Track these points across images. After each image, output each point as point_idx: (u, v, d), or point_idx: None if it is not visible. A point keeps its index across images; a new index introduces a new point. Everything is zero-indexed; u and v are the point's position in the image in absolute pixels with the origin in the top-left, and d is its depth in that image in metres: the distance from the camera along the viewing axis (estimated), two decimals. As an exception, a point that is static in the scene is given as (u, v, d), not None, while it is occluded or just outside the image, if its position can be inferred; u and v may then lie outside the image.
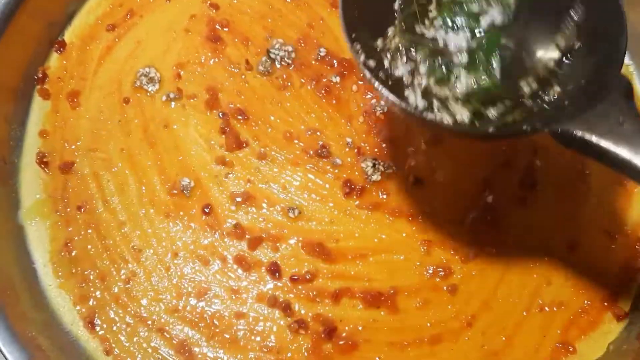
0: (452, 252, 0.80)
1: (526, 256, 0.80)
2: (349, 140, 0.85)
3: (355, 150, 0.84)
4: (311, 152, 0.85)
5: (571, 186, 0.83)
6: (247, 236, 0.81)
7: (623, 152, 0.54)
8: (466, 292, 0.78)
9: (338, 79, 0.88)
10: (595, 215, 0.82)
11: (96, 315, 0.78)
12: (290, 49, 0.90)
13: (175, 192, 0.83)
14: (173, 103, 0.88)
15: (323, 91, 0.88)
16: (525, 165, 0.84)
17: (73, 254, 0.80)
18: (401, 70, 0.66)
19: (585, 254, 0.80)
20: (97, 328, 0.77)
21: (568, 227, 0.81)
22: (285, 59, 0.89)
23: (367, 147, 0.85)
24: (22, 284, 0.77)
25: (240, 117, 0.86)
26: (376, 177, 0.83)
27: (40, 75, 0.89)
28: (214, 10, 0.93)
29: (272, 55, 0.89)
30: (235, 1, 0.94)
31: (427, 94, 0.64)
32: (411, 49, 0.66)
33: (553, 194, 0.83)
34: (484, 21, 0.65)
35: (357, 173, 0.83)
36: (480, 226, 0.81)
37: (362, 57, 0.65)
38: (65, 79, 0.90)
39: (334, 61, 0.89)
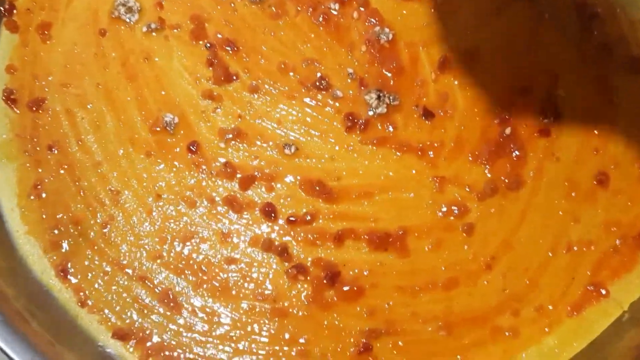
0: (468, 189, 0.73)
1: (551, 192, 0.73)
2: (350, 70, 0.77)
3: (358, 81, 0.77)
4: (308, 85, 0.77)
5: (598, 117, 0.76)
6: (238, 175, 0.73)
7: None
8: (484, 231, 0.71)
9: (337, 5, 0.80)
10: (624, 147, 0.75)
11: (69, 263, 0.70)
12: (283, -32, 0.82)
13: (158, 129, 0.75)
14: (154, 34, 0.79)
15: (321, 19, 0.80)
16: (547, 93, 0.76)
17: (43, 196, 0.72)
18: None
19: (615, 189, 0.74)
20: (71, 277, 0.69)
21: (595, 160, 0.74)
22: (279, -24, 0.81)
23: (371, 78, 0.77)
24: (-14, 230, 0.69)
25: (229, 48, 0.78)
26: (381, 109, 0.75)
27: (7, 6, 0.81)
28: None
29: None
30: None
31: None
32: None
33: (578, 125, 0.75)
34: None
35: (360, 106, 0.75)
36: (498, 160, 0.73)
37: None
38: (35, 10, 0.81)
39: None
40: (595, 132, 0.75)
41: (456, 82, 0.77)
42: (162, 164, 0.73)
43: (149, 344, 0.67)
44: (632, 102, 0.76)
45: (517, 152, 0.73)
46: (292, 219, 0.71)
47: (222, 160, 0.73)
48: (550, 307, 0.70)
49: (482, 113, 0.75)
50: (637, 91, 0.77)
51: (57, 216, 0.71)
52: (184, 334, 0.68)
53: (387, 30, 0.78)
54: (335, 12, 0.80)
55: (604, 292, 0.69)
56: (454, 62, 0.77)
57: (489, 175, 0.73)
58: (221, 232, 0.71)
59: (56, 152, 0.74)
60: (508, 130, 0.74)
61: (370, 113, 0.75)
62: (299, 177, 0.73)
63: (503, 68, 0.77)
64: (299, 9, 0.80)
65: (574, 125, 0.75)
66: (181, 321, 0.68)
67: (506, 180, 0.72)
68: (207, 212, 0.71)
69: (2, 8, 0.80)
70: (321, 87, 0.76)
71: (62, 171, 0.73)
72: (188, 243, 0.70)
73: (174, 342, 0.68)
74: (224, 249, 0.70)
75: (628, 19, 0.80)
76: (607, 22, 0.80)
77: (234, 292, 0.69)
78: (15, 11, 0.81)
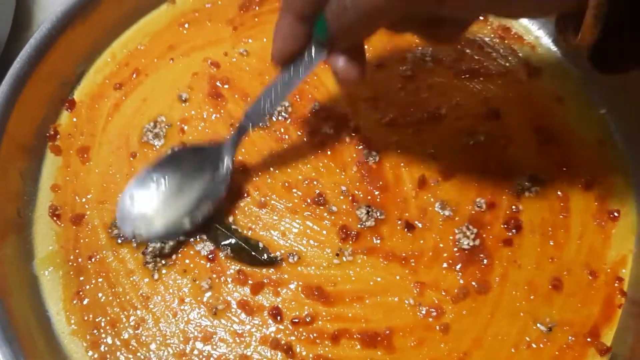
0: (444, 293, 0.84)
1: (513, 295, 0.84)
2: (343, 188, 0.90)
3: (350, 197, 0.90)
4: (309, 200, 0.90)
5: (553, 229, 0.88)
6: (249, 282, 0.85)
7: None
8: (458, 330, 0.82)
9: (332, 131, 0.94)
10: (576, 256, 0.87)
11: (108, 360, 0.81)
12: (287, 103, 0.96)
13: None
14: (176, 154, 0.93)
15: (318, 142, 0.93)
16: (510, 208, 0.89)
17: (85, 302, 0.84)
18: None
19: (568, 292, 0.84)
20: (109, 373, 0.81)
21: (551, 267, 0.86)
22: (283, 113, 0.96)
23: (361, 195, 0.90)
24: (37, 331, 0.81)
25: (241, 168, 0.92)
26: (370, 222, 0.88)
27: (52, 132, 0.95)
28: (215, 69, 1.00)
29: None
30: (234, 59, 1.01)
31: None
32: None
33: (537, 237, 0.88)
34: None
35: (352, 219, 0.88)
36: (469, 267, 0.86)
37: None
38: (76, 136, 0.95)
39: (328, 115, 0.95)
40: (551, 242, 0.87)
41: (432, 199, 0.90)
42: (185, 271, 0.86)
43: None
44: (585, 216, 0.89)
45: (485, 261, 0.86)
46: (295, 320, 0.82)
47: (236, 267, 0.86)
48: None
49: (455, 225, 0.88)
50: (589, 206, 0.90)
51: (97, 319, 0.83)
52: (205, 422, 0.79)
53: (374, 153, 0.92)
54: (331, 136, 0.94)
55: (559, 384, 0.80)
56: (430, 180, 0.91)
57: (461, 282, 0.85)
58: (236, 332, 0.82)
59: (95, 261, 0.87)
60: (477, 242, 0.87)
61: (360, 226, 0.88)
62: (301, 283, 0.85)
63: (472, 186, 0.91)
64: (299, 133, 0.95)
65: (532, 237, 0.88)
66: (202, 411, 0.80)
67: (476, 285, 0.85)
68: (224, 315, 0.83)
69: (47, 134, 0.95)
70: (319, 202, 0.90)
71: (100, 279, 0.85)
72: (208, 342, 0.81)
73: None
74: (238, 347, 0.81)
75: (581, 141, 0.94)
76: (563, 144, 0.94)
77: (246, 386, 0.80)
78: (58, 136, 0.95)
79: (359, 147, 0.93)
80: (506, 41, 1.03)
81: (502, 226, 0.88)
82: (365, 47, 0.75)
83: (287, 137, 0.94)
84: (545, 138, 0.94)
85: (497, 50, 1.01)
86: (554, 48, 1.03)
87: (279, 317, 0.83)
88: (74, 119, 0.97)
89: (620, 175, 0.92)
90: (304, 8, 0.67)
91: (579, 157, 0.93)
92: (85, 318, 0.84)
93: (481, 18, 1.04)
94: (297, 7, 0.67)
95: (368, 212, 0.88)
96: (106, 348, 0.82)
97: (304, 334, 0.82)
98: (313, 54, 0.72)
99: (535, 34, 1.04)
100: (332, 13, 0.64)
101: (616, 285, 0.85)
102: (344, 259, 0.86)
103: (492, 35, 1.03)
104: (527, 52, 1.02)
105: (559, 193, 0.90)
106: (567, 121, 0.96)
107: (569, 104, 0.98)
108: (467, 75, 0.99)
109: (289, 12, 0.69)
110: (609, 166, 0.93)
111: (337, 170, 0.92)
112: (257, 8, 1.07)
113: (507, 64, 1.01)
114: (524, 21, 1.04)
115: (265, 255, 0.86)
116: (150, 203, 0.86)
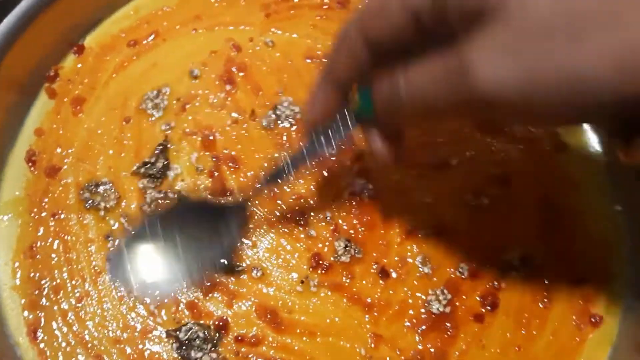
0: (398, 352, 0.80)
1: (468, 375, 0.80)
2: (328, 215, 0.86)
3: (333, 226, 0.85)
4: (289, 217, 0.86)
5: (529, 318, 0.83)
6: (206, 283, 0.82)
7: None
8: (401, 395, 0.79)
9: (334, 151, 0.89)
10: (544, 352, 0.82)
11: (41, 326, 0.79)
12: (297, 109, 0.91)
13: (150, 223, 0.84)
14: (170, 132, 0.89)
15: (317, 160, 0.88)
16: (491, 282, 0.84)
17: (35, 258, 0.82)
18: None
19: (525, 387, 0.81)
20: (39, 340, 0.78)
21: (515, 357, 0.81)
22: (290, 118, 0.91)
23: (345, 226, 0.86)
24: (-23, 278, 0.79)
25: (231, 165, 0.87)
26: (345, 258, 0.84)
27: (52, 73, 0.91)
28: (235, 52, 0.95)
29: (279, 112, 0.90)
30: (258, 48, 0.96)
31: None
32: None
33: (510, 321, 0.83)
34: None
35: (327, 249, 0.84)
36: (432, 332, 0.81)
37: None
38: (75, 83, 0.91)
39: (335, 133, 0.90)
40: (523, 331, 0.83)
41: (415, 251, 0.85)
42: (144, 257, 0.82)
43: (87, 417, 0.76)
44: (566, 312, 0.85)
45: (450, 331, 0.82)
46: (239, 338, 0.79)
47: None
48: None
49: (431, 285, 0.84)
50: (572, 302, 0.85)
51: (42, 281, 0.80)
52: (120, 417, 0.77)
53: (370, 187, 0.87)
54: (332, 157, 0.89)
55: None
56: (419, 231, 0.86)
57: (419, 346, 0.81)
58: (176, 335, 0.79)
59: (57, 220, 0.83)
60: (448, 309, 0.83)
61: (334, 259, 0.84)
62: (256, 301, 0.81)
63: (460, 249, 0.86)
64: (301, 144, 0.89)
65: (506, 319, 0.83)
66: (120, 404, 0.77)
67: (433, 353, 0.81)
68: (168, 313, 0.80)
69: (47, 74, 0.91)
70: (299, 222, 0.85)
71: (57, 240, 0.82)
72: (145, 336, 0.78)
73: (109, 422, 0.76)
74: (175, 352, 0.79)
75: (586, 233, 0.89)
76: (566, 232, 0.89)
77: (172, 391, 0.77)
78: (57, 79, 0.91)
79: (356, 178, 0.88)
80: (540, 106, 0.96)
81: (477, 299, 0.84)
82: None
83: (288, 144, 0.90)
84: (550, 220, 0.89)
85: (528, 113, 0.95)
86: (586, 126, 0.96)
87: (223, 331, 0.79)
88: (79, 65, 0.93)
89: (616, 281, 0.87)
90: (347, 79, 0.63)
91: (579, 250, 0.88)
92: (32, 275, 0.81)
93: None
94: (340, 77, 0.64)
95: (346, 247, 0.84)
96: (42, 313, 0.79)
97: (246, 354, 0.79)
98: (349, 122, 0.68)
99: (573, 106, 0.97)
100: (382, 98, 0.60)
101: (578, 395, 0.81)
102: (310, 288, 0.82)
103: (528, 96, 0.97)
104: (558, 124, 0.96)
105: (545, 281, 0.85)
106: (578, 209, 0.90)
107: (585, 190, 0.92)
108: (490, 131, 0.93)
109: (329, 79, 0.65)
110: (607, 269, 0.87)
111: (328, 195, 0.87)
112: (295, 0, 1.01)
113: (534, 130, 0.94)
114: (565, 90, 0.98)
115: (226, 260, 0.82)
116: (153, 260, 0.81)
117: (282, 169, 0.75)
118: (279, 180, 0.77)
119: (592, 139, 0.95)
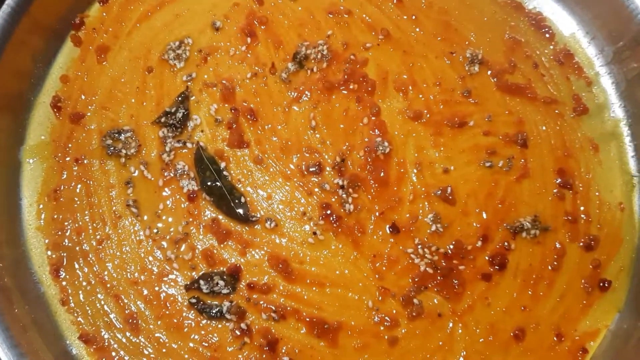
0: (404, 306, 0.82)
1: (472, 331, 0.82)
2: (342, 169, 0.87)
3: (346, 182, 0.86)
4: (304, 171, 0.87)
5: (537, 280, 0.84)
6: (222, 231, 0.84)
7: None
8: (405, 347, 0.81)
9: (355, 105, 0.89)
10: (550, 313, 0.83)
11: (63, 265, 0.82)
12: (325, 51, 0.91)
13: (169, 172, 0.86)
14: (191, 84, 0.90)
15: (335, 113, 0.89)
16: (501, 244, 0.85)
17: (60, 200, 0.85)
18: None
19: (528, 347, 0.82)
20: (61, 278, 0.82)
21: (520, 316, 0.83)
22: (318, 58, 0.91)
23: (358, 182, 0.87)
24: (3, 217, 0.82)
25: (249, 117, 0.89)
26: (357, 212, 0.85)
27: (78, 21, 0.92)
28: (257, 5, 0.95)
29: (308, 53, 0.91)
30: (280, 1, 0.95)
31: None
32: None
33: (517, 281, 0.84)
34: None
35: (338, 203, 0.86)
36: (440, 290, 0.83)
37: None
38: (100, 32, 0.93)
39: (357, 85, 0.90)
40: (530, 292, 0.84)
41: (427, 208, 0.86)
42: (161, 204, 0.85)
43: (106, 353, 0.80)
44: (574, 276, 0.85)
45: (456, 288, 0.83)
46: (251, 284, 0.82)
47: (213, 215, 0.85)
48: None
49: (441, 243, 0.85)
50: (582, 267, 0.86)
51: (66, 222, 0.84)
52: (136, 353, 0.80)
53: (386, 144, 0.88)
54: (350, 113, 0.89)
55: None
56: (433, 191, 0.87)
57: (426, 301, 0.83)
58: (192, 278, 0.82)
59: (80, 165, 0.86)
60: (459, 267, 0.84)
61: (345, 212, 0.85)
62: (269, 251, 0.83)
63: (472, 210, 0.86)
64: (319, 98, 0.90)
65: (513, 280, 0.84)
66: (136, 341, 0.80)
67: (439, 310, 0.82)
68: (184, 259, 0.83)
69: (73, 22, 0.92)
70: (314, 173, 0.86)
71: (80, 185, 0.85)
72: (162, 279, 0.82)
73: (126, 358, 0.80)
74: (188, 295, 0.82)
75: (599, 199, 0.88)
76: (580, 196, 0.88)
77: (185, 331, 0.80)
78: (83, 27, 0.92)
79: (373, 133, 0.89)
80: (564, 68, 0.95)
81: (486, 258, 0.85)
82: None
83: (306, 98, 0.90)
84: (564, 183, 0.89)
85: (550, 75, 0.94)
86: (610, 90, 0.94)
87: (236, 276, 0.82)
88: (104, 14, 0.94)
89: (627, 248, 0.87)
90: None
91: (592, 214, 0.88)
92: (55, 216, 0.84)
93: (547, 36, 0.96)
94: None
95: (358, 202, 0.85)
96: (65, 253, 0.83)
97: (255, 299, 0.81)
98: None
99: (597, 69, 0.95)
100: None
101: (579, 355, 0.82)
102: (319, 240, 0.84)
103: (552, 57, 0.95)
104: (581, 87, 0.94)
105: (557, 245, 0.86)
106: (594, 174, 0.90)
107: (602, 156, 0.91)
108: (510, 91, 0.93)
109: None
110: (619, 235, 0.87)
111: (344, 149, 0.88)
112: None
113: (556, 93, 0.93)
114: (590, 52, 0.96)
115: (242, 210, 0.84)
116: None
117: None
118: None
119: (614, 104, 0.94)
